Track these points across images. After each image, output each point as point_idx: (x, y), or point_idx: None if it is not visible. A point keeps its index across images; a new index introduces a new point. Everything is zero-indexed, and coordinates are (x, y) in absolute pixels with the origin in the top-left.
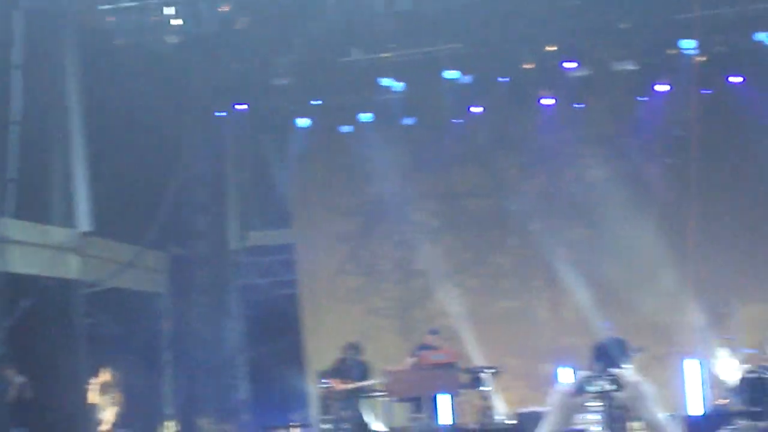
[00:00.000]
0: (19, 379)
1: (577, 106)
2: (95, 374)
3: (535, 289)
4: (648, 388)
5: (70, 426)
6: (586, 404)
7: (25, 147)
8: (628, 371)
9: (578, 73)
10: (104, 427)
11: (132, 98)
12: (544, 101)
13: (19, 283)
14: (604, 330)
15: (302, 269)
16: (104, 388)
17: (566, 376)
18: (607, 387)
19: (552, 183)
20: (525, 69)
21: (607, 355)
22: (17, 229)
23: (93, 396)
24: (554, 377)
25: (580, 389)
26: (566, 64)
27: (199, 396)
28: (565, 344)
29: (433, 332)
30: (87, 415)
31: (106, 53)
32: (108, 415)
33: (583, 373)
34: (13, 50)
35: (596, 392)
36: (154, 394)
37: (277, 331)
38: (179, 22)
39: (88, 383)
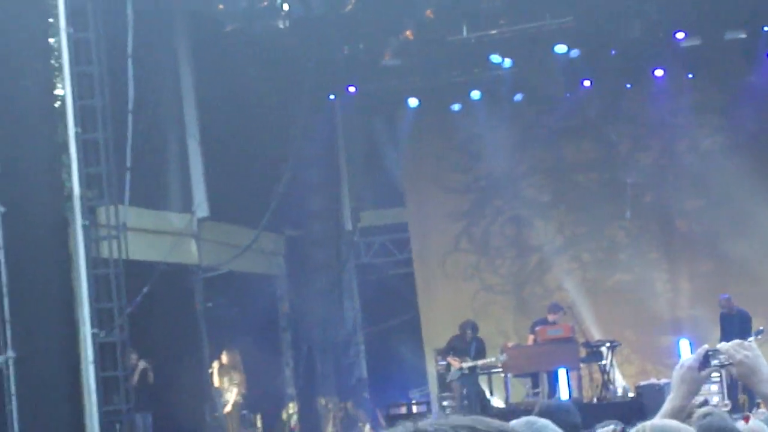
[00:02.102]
0: (142, 364)
1: (688, 76)
2: (216, 358)
3: (651, 261)
4: (762, 361)
5: (192, 409)
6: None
7: (140, 135)
8: (743, 344)
9: (688, 43)
10: (227, 408)
11: (243, 83)
12: (655, 72)
13: (139, 270)
14: (723, 302)
15: (416, 248)
16: (224, 371)
17: (687, 349)
18: (726, 361)
19: (665, 154)
20: (634, 41)
21: (729, 328)
22: (136, 216)
23: (215, 379)
24: (673, 349)
25: (704, 363)
26: (676, 35)
27: (319, 376)
28: (683, 316)
29: (551, 308)
30: (208, 398)
31: (217, 40)
32: (231, 396)
33: (705, 347)
34: (126, 40)
35: (718, 366)
36: (274, 375)
37: (393, 309)
38: (288, 6)
39: (210, 367)
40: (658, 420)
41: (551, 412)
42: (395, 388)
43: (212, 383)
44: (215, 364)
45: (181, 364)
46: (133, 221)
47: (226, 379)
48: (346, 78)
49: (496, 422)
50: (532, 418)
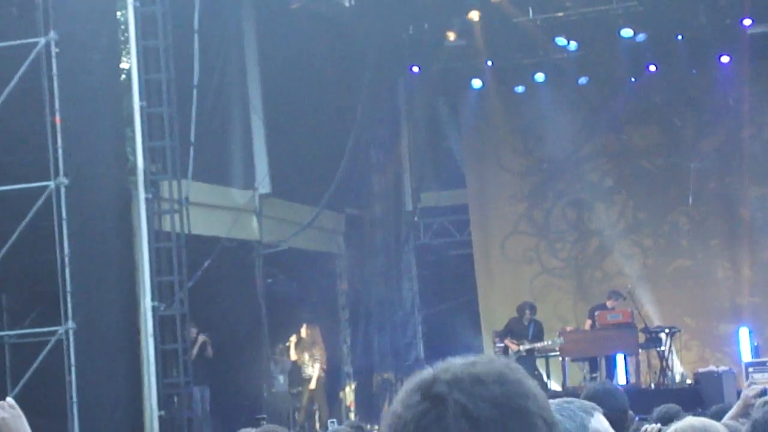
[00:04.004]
0: (201, 338)
1: (754, 63)
2: (295, 332)
3: (713, 248)
4: None
5: (249, 385)
6: None
7: (204, 110)
8: None
9: (755, 30)
10: (312, 385)
11: (308, 61)
12: (721, 59)
13: (200, 244)
14: None
15: (476, 229)
16: (304, 346)
17: (746, 337)
18: None
19: (729, 141)
20: (701, 26)
21: None
22: (198, 191)
23: (293, 354)
24: (733, 337)
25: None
26: (743, 21)
27: (376, 354)
28: (743, 304)
29: (611, 294)
30: (266, 373)
31: (282, 16)
32: (313, 372)
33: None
34: (192, 15)
35: None
36: (331, 352)
37: (452, 290)
38: None
39: (287, 342)
40: (688, 419)
41: (598, 396)
42: None
43: (288, 357)
44: (293, 339)
45: (239, 339)
46: (195, 196)
47: (306, 355)
48: (410, 58)
49: (524, 383)
50: (569, 399)
